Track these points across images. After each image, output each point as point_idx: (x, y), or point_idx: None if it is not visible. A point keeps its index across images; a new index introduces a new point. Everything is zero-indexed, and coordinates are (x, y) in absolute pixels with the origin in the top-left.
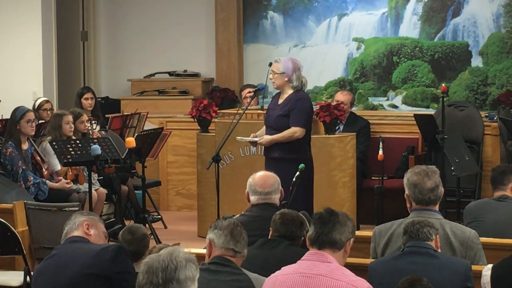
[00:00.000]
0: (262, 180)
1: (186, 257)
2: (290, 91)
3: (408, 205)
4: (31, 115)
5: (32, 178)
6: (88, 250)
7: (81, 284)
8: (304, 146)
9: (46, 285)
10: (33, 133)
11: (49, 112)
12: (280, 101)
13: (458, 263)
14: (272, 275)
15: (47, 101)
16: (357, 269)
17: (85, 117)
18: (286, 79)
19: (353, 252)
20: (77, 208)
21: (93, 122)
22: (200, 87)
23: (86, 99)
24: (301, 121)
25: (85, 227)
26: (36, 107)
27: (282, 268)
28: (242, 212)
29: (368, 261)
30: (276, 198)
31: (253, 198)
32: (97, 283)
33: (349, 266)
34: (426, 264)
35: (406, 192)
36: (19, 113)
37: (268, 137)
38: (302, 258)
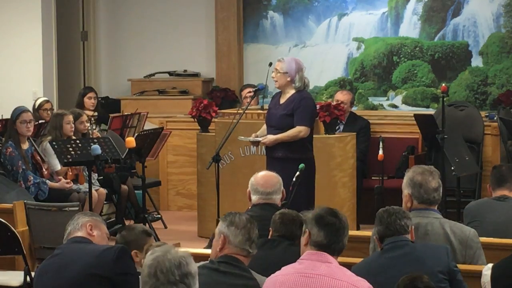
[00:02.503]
0: (264, 180)
1: (185, 253)
2: (292, 91)
3: (408, 205)
4: (27, 116)
5: (32, 178)
6: (91, 251)
7: (83, 284)
8: (307, 145)
9: (48, 284)
10: (29, 133)
11: (49, 112)
12: (282, 100)
13: (438, 249)
14: (272, 275)
15: (47, 101)
16: None
17: (84, 117)
18: (288, 79)
19: (353, 252)
20: (77, 208)
21: (93, 122)
22: (200, 87)
23: (90, 98)
24: (306, 120)
25: (88, 228)
26: (36, 107)
27: (282, 268)
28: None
29: None
30: (277, 199)
31: (254, 198)
32: (99, 283)
33: (349, 266)
34: (406, 255)
35: (408, 191)
36: (14, 114)
37: (272, 137)
38: (301, 258)
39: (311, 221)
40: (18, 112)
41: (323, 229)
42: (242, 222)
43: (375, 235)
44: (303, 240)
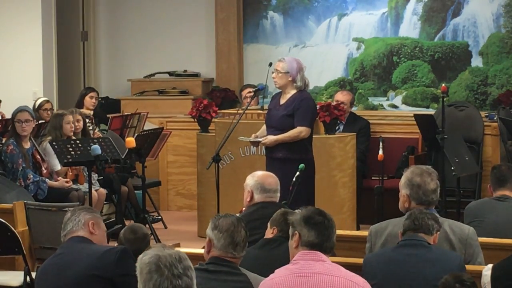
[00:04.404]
0: (269, 178)
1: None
2: (293, 91)
3: (405, 205)
4: (21, 115)
5: (32, 176)
6: (93, 251)
7: (84, 285)
8: (307, 146)
9: (49, 284)
10: (25, 133)
11: (49, 112)
12: (283, 101)
13: (452, 256)
14: (267, 278)
15: (47, 101)
16: (356, 269)
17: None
18: (290, 79)
19: (353, 252)
20: None
21: (93, 122)
22: (200, 87)
23: (91, 97)
24: (307, 121)
25: (90, 226)
26: (36, 107)
27: (276, 270)
28: (243, 209)
29: None
30: (278, 197)
31: (258, 197)
32: (101, 284)
33: (348, 266)
34: (420, 256)
35: (406, 192)
36: (13, 113)
37: (272, 137)
38: (294, 259)
39: (299, 223)
40: (15, 111)
41: (313, 228)
42: (225, 225)
43: (401, 229)
44: (293, 242)
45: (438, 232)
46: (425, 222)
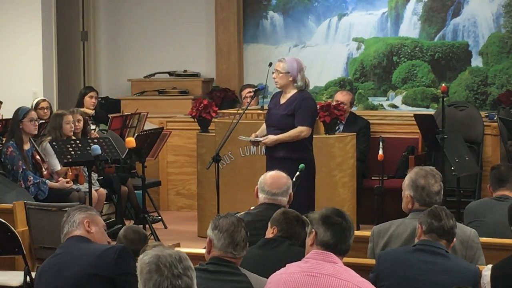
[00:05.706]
0: (273, 180)
1: (178, 251)
2: (293, 91)
3: (409, 206)
4: (34, 114)
5: (32, 178)
6: (92, 250)
7: (84, 284)
8: (307, 146)
9: (49, 284)
10: (36, 132)
11: (45, 111)
12: (283, 100)
13: (469, 269)
14: (277, 272)
15: (43, 100)
16: (357, 269)
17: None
18: (290, 79)
19: (353, 252)
20: None
21: (91, 122)
22: (200, 87)
23: (91, 97)
24: (308, 121)
25: (86, 225)
26: (33, 106)
27: (287, 265)
28: (251, 208)
29: (367, 261)
30: (283, 200)
31: (260, 196)
32: (100, 283)
33: (349, 266)
34: (436, 264)
35: (409, 193)
36: (22, 112)
37: (273, 137)
38: (307, 257)
39: (317, 221)
40: (26, 110)
41: (329, 229)
42: (225, 225)
43: (423, 224)
44: (309, 240)
45: (455, 239)
46: (452, 231)
